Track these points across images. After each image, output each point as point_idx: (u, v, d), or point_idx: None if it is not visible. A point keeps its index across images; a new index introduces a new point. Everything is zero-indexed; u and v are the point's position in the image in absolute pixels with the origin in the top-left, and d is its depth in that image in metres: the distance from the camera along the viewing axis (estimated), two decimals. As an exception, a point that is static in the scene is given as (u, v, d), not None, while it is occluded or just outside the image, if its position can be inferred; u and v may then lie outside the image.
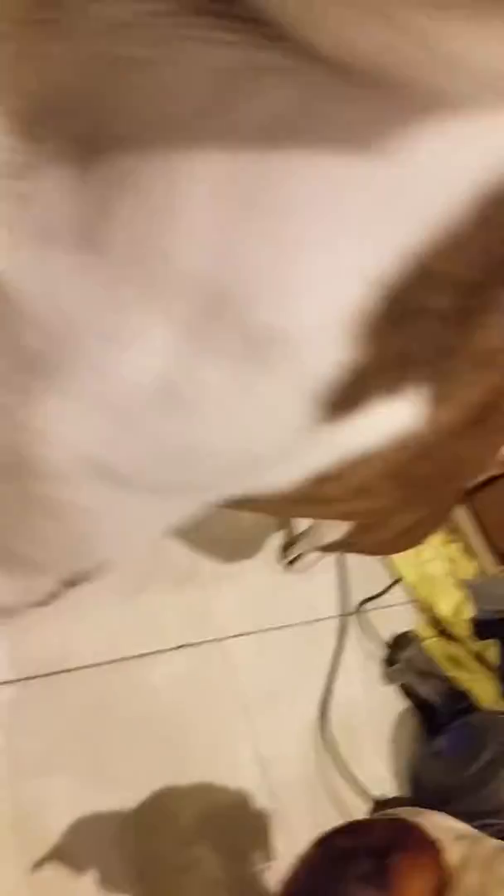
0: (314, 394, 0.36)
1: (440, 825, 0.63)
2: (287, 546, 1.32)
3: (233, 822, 1.05)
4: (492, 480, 1.59)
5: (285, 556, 1.32)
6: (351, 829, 0.65)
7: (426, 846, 0.58)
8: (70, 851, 0.85)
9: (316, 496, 0.57)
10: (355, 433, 0.45)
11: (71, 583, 0.64)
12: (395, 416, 0.45)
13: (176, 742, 1.03)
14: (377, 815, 0.68)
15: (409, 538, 1.02)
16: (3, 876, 0.81)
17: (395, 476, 0.61)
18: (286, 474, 0.48)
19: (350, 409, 0.39)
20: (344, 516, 0.79)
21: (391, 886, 0.54)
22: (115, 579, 1.06)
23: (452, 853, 0.57)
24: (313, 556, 1.30)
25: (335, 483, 0.54)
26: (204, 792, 1.03)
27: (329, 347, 0.33)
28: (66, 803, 0.87)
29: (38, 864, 0.82)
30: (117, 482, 0.40)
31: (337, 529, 1.00)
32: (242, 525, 1.28)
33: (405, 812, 0.68)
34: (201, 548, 1.20)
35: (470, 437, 0.71)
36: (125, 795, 0.94)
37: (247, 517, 1.26)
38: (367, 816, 0.68)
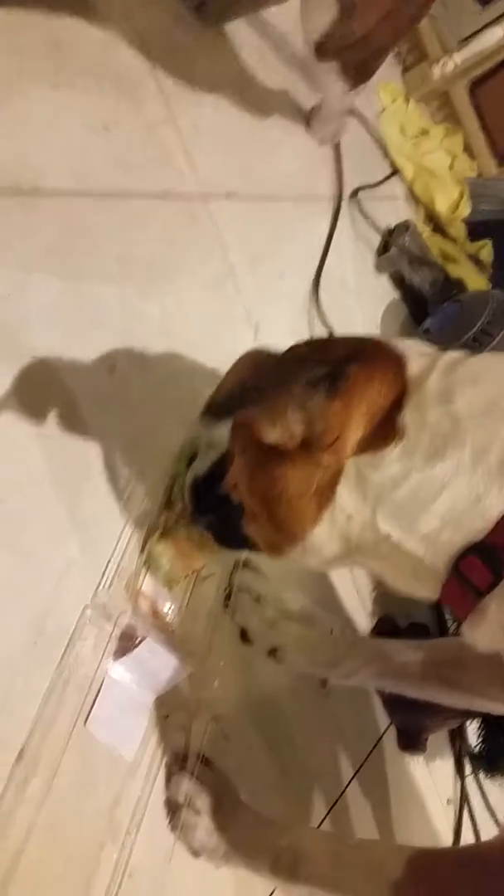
0: None
1: (408, 343, 0.59)
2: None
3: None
4: (495, 72, 1.45)
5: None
6: (314, 344, 0.61)
7: (388, 359, 0.55)
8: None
9: None
10: None
11: None
12: None
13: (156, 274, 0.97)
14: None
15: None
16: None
17: None
18: None
19: None
20: None
21: (341, 393, 0.52)
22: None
23: (414, 365, 0.54)
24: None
25: None
26: (194, 367, 0.98)
27: None
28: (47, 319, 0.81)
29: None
30: None
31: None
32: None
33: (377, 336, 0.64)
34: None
35: None
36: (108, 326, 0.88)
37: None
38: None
